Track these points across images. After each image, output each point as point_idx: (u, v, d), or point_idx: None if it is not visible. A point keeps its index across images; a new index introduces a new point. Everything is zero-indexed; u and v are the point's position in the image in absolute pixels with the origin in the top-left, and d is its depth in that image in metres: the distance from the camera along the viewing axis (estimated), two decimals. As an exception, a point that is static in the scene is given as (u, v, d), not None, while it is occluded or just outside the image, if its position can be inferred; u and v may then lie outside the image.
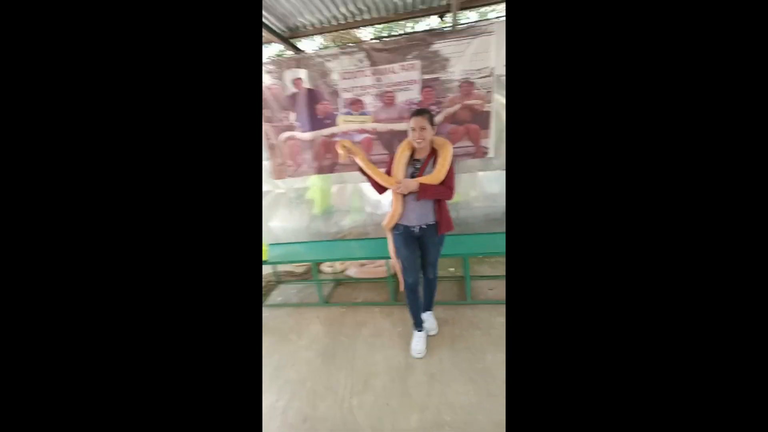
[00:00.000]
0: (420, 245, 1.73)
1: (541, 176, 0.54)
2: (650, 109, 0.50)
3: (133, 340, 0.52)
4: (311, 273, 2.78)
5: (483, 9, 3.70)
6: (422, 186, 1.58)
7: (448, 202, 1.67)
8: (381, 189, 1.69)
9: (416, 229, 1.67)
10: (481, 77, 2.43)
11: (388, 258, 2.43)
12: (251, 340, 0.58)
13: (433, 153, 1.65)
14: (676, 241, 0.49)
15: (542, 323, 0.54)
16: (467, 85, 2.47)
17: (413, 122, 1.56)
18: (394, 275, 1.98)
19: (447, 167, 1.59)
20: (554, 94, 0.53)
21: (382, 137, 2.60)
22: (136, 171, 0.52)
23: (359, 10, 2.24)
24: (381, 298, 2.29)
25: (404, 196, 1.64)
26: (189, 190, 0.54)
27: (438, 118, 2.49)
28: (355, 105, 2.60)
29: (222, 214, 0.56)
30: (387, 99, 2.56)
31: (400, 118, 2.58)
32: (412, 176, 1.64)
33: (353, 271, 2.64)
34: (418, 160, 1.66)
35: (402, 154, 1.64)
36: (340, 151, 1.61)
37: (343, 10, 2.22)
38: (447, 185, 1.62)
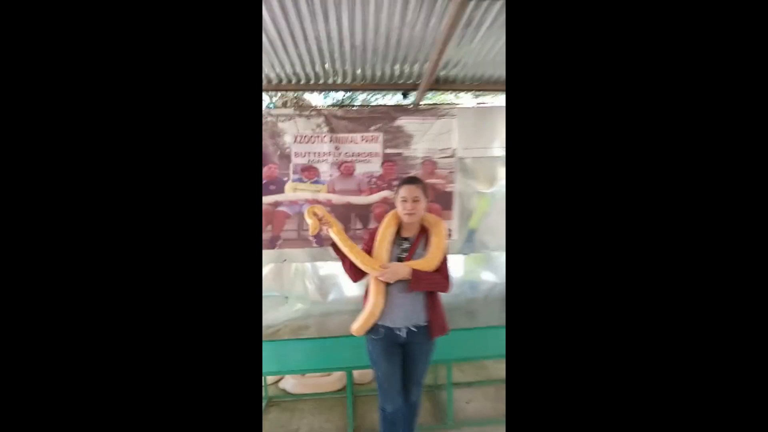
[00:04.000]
0: (404, 356, 1.28)
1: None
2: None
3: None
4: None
5: (445, 95, 3.87)
6: (416, 273, 1.20)
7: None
8: (357, 274, 1.26)
9: (402, 332, 1.24)
10: (443, 157, 2.40)
11: (343, 369, 1.81)
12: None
13: (424, 232, 1.33)
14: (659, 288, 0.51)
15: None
16: (430, 164, 2.40)
17: (405, 191, 1.25)
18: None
19: (443, 250, 1.27)
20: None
21: (336, 210, 2.25)
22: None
23: (326, 72, 2.05)
24: (333, 426, 1.65)
25: (388, 285, 1.23)
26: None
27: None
28: (308, 172, 2.27)
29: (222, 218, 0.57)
30: (345, 169, 2.30)
31: (358, 191, 2.32)
32: (399, 260, 1.26)
33: (290, 383, 1.96)
34: (406, 239, 1.31)
35: (387, 231, 1.28)
36: (309, 220, 1.18)
37: (308, 69, 2.00)
38: (443, 274, 1.27)
